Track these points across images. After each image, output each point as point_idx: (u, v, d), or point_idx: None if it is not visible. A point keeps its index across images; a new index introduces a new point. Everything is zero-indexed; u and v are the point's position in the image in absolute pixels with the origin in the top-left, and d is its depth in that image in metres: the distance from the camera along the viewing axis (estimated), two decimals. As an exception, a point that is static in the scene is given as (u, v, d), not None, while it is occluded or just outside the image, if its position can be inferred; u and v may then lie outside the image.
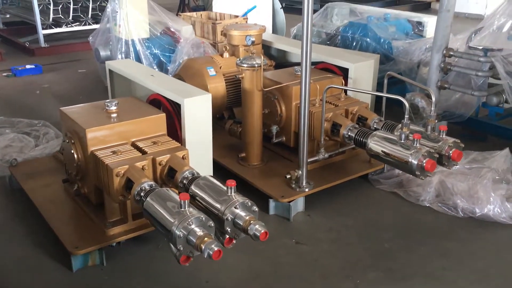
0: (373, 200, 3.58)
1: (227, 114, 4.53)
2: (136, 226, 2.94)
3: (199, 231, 2.21)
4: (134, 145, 2.95)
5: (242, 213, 2.36)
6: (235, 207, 2.36)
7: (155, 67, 5.28)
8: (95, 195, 3.01)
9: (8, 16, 10.09)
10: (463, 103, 4.41)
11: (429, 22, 5.59)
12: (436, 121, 4.25)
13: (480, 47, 4.05)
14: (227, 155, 3.94)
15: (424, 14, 6.14)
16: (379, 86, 4.48)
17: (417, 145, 2.97)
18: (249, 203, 2.40)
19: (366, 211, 3.45)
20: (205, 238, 2.18)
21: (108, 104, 3.07)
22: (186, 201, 2.27)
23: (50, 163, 3.82)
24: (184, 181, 2.67)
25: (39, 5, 7.96)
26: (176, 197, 2.38)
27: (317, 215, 3.39)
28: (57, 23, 8.28)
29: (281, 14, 7.30)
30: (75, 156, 2.96)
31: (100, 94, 5.78)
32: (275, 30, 7.05)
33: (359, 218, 3.37)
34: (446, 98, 4.43)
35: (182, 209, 2.27)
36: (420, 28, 5.66)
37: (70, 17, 8.33)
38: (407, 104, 3.06)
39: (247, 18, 5.88)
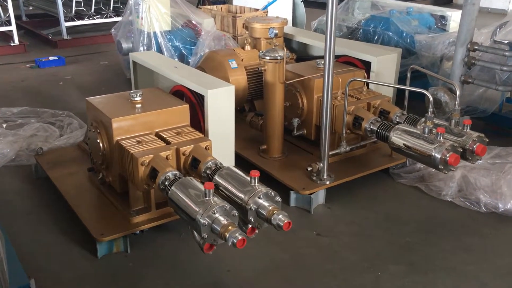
0: (394, 194, 3.57)
1: (247, 106, 4.56)
2: (159, 215, 2.99)
3: (224, 220, 2.24)
4: (158, 135, 2.99)
5: (266, 203, 2.38)
6: (259, 197, 2.39)
7: (176, 59, 5.31)
8: (119, 183, 3.06)
9: (31, 8, 10.25)
10: (486, 98, 4.35)
11: (453, 16, 5.52)
12: (459, 116, 4.24)
13: (506, 41, 3.99)
14: (248, 147, 3.97)
15: (447, 8, 6.06)
16: (401, 81, 4.46)
17: (441, 139, 2.96)
18: (273, 193, 2.43)
19: (387, 205, 3.45)
20: (230, 227, 2.21)
21: (133, 94, 3.11)
22: (211, 190, 2.30)
23: (75, 152, 3.89)
24: (208, 171, 2.70)
25: (62, -3, 8.07)
26: (201, 186, 2.41)
27: (337, 208, 3.40)
28: (79, 16, 8.39)
29: (301, 7, 7.27)
30: (101, 145, 3.01)
31: (121, 86, 5.85)
32: (295, 24, 7.03)
33: (380, 212, 3.36)
34: (469, 92, 4.38)
35: (207, 198, 2.30)
36: (443, 22, 5.59)
37: (92, 10, 8.43)
38: (430, 97, 3.04)
39: (267, 12, 5.88)
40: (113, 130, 2.90)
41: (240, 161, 3.69)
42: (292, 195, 3.39)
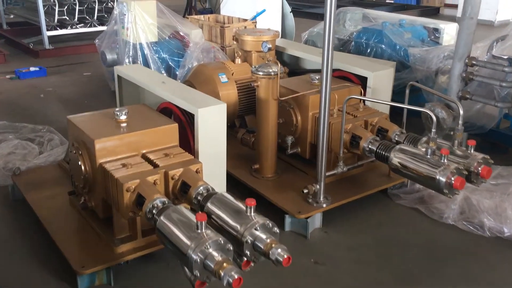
0: (393, 217, 3.40)
1: (238, 122, 4.37)
2: (145, 243, 2.77)
3: (217, 256, 2.04)
4: (144, 157, 2.79)
5: (263, 236, 2.19)
6: (255, 229, 2.20)
7: (163, 71, 5.12)
8: (102, 209, 2.84)
9: (12, 16, 9.97)
10: (484, 114, 4.24)
11: (446, 28, 5.43)
12: (462, 136, 4.10)
13: (505, 57, 3.88)
14: (239, 166, 3.77)
15: (440, 20, 5.97)
16: (394, 95, 4.31)
17: (445, 161, 2.80)
18: (270, 224, 2.24)
19: (387, 228, 3.28)
20: (224, 264, 2.01)
21: (118, 112, 2.90)
22: (203, 222, 2.10)
23: (55, 172, 3.65)
24: (199, 197, 2.51)
25: (44, 6, 7.83)
26: (192, 217, 2.21)
27: (335, 232, 3.22)
28: (62, 25, 8.14)
29: (290, 18, 7.15)
30: (82, 168, 2.79)
31: (105, 98, 5.64)
32: (284, 34, 6.90)
33: (379, 236, 3.19)
34: (467, 108, 4.25)
35: (199, 231, 2.10)
36: (437, 35, 5.49)
37: (76, 19, 8.19)
38: (434, 117, 2.89)
39: (256, 22, 5.73)
40: (96, 152, 2.68)
41: (231, 181, 3.50)
42: (287, 219, 3.20)
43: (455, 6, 12.64)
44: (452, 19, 11.33)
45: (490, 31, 9.88)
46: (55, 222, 3.02)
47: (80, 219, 3.04)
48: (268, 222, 2.23)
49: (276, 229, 2.25)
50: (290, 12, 7.19)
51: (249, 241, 2.18)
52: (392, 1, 15.06)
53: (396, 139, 3.37)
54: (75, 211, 3.10)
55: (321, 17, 11.68)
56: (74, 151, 2.87)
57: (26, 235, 3.13)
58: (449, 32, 5.44)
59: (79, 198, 3.01)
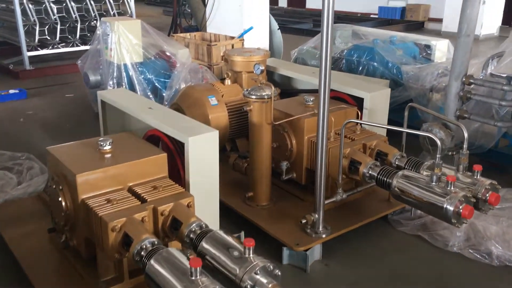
0: (396, 245, 3.23)
1: (229, 146, 4.18)
2: (133, 285, 2.54)
3: (215, 307, 1.84)
4: (131, 190, 2.58)
5: (264, 280, 1.99)
6: (255, 273, 2.00)
7: (149, 93, 4.93)
8: (86, 248, 2.61)
9: (-9, 36, 9.68)
10: (482, 133, 4.12)
11: (437, 45, 5.35)
12: (454, 152, 3.97)
13: (504, 75, 3.77)
14: (232, 194, 3.57)
15: (431, 37, 5.90)
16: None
17: (452, 188, 2.65)
18: (271, 267, 2.05)
19: (390, 259, 3.10)
20: (222, 316, 1.82)
21: (102, 142, 2.70)
22: (198, 268, 1.90)
23: (34, 205, 3.41)
24: (191, 236, 2.31)
25: (24, 25, 7.58)
26: (186, 261, 2.01)
27: (336, 265, 3.03)
28: (43, 44, 7.90)
29: (278, 35, 7.02)
30: (63, 204, 2.57)
31: (89, 121, 5.41)
32: (272, 52, 6.76)
33: (383, 268, 3.01)
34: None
35: (193, 278, 1.90)
36: (428, 52, 5.41)
37: (57, 38, 7.96)
38: (439, 142, 2.74)
39: (243, 40, 5.59)
40: (78, 186, 2.47)
41: (223, 209, 3.28)
42: (285, 252, 3.00)
43: (439, 20, 12.71)
44: (437, 33, 11.39)
45: (476, 45, 9.89)
46: (34, 262, 2.78)
47: (61, 259, 2.80)
48: (269, 264, 2.04)
49: (278, 272, 2.06)
50: (278, 29, 7.08)
51: (248, 286, 1.99)
52: (377, 16, 15.14)
53: (396, 163, 3.21)
54: (56, 250, 2.86)
55: (307, 32, 11.61)
56: (54, 186, 2.64)
57: (3, 277, 2.87)
58: (440, 48, 5.36)
59: (60, 236, 2.78)
